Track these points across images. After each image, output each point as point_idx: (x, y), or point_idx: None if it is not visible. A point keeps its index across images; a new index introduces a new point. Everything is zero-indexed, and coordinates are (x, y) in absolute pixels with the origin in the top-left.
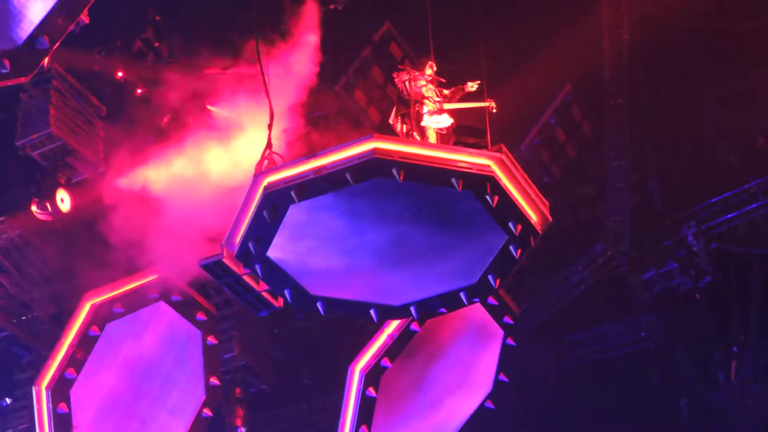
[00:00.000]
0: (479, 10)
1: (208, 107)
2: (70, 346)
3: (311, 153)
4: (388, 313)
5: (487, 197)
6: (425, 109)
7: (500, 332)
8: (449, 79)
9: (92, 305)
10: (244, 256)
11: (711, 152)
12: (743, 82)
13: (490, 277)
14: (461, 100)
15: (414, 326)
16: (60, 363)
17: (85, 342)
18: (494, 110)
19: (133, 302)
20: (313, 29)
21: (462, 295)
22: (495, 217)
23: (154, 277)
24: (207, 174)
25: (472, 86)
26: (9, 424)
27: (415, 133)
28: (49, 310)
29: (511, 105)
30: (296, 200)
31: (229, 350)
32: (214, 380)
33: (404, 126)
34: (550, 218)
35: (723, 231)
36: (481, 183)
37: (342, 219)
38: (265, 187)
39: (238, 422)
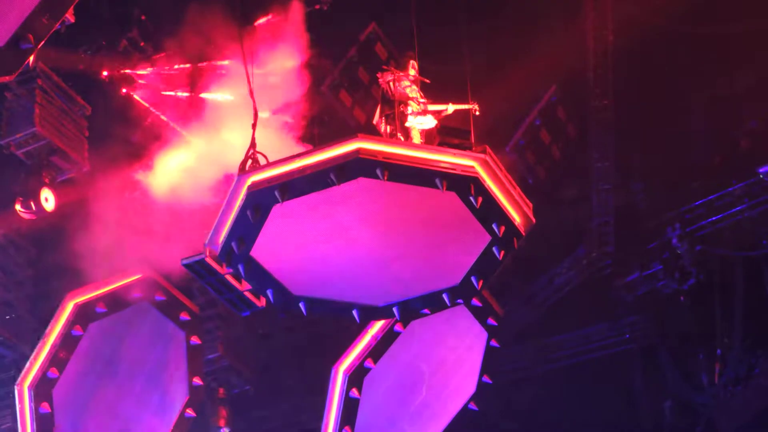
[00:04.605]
0: (464, 10)
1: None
2: (53, 345)
3: (295, 153)
4: (370, 313)
5: (471, 198)
6: (409, 109)
7: (484, 334)
8: (434, 80)
9: (75, 305)
10: (227, 255)
11: (696, 154)
12: (728, 85)
13: (473, 278)
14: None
15: (398, 327)
16: (43, 362)
17: (68, 341)
18: (477, 113)
19: (117, 302)
20: (299, 29)
21: (445, 296)
22: (478, 218)
23: (138, 276)
24: (191, 173)
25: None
26: None
27: (399, 134)
28: (32, 310)
29: (496, 106)
30: (280, 200)
31: (213, 350)
32: (197, 380)
33: (388, 126)
34: (534, 219)
35: (707, 233)
36: (464, 184)
37: (325, 219)
38: (249, 187)
39: (222, 423)
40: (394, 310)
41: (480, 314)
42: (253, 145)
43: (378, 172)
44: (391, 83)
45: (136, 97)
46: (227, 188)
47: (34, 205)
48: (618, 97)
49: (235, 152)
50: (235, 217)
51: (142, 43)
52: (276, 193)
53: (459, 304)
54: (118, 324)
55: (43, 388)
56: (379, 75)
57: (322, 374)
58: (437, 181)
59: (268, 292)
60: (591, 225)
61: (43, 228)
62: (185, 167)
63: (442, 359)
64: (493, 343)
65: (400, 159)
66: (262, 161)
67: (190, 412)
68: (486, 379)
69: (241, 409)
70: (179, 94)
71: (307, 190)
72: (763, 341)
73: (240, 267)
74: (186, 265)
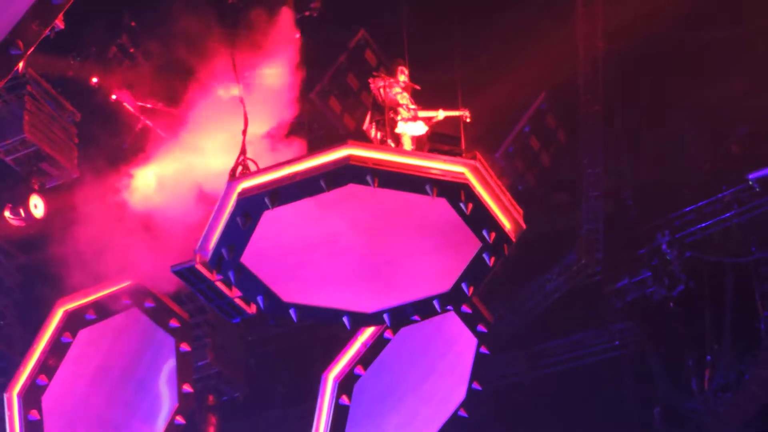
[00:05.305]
0: (454, 18)
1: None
2: (43, 352)
3: (285, 159)
4: (361, 320)
5: (461, 204)
6: (399, 116)
7: (474, 340)
8: (424, 87)
9: (65, 311)
10: (217, 262)
11: (685, 160)
12: (718, 91)
13: (463, 284)
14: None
15: (387, 334)
16: (32, 370)
17: (58, 348)
18: (468, 119)
19: (106, 309)
20: (289, 36)
21: (435, 302)
22: (469, 225)
23: (127, 283)
24: (182, 179)
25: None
26: None
27: (389, 140)
28: (21, 317)
29: (486, 113)
30: (270, 206)
31: (202, 357)
32: (186, 387)
33: (378, 132)
34: (524, 226)
35: (697, 240)
36: (455, 190)
37: (316, 225)
38: (239, 193)
39: (211, 430)
40: (385, 316)
41: (470, 321)
42: (243, 151)
43: (368, 178)
44: (382, 89)
45: (125, 104)
46: (214, 195)
47: (23, 211)
48: (608, 103)
49: (223, 160)
50: (226, 224)
51: (131, 50)
52: (266, 200)
53: (449, 310)
54: (107, 331)
55: (32, 396)
56: (370, 80)
57: (312, 381)
58: (427, 187)
59: (259, 299)
60: (581, 231)
61: (32, 234)
62: (173, 174)
63: (431, 366)
64: (483, 349)
65: (391, 165)
66: (253, 168)
67: (179, 419)
68: (476, 385)
69: (231, 417)
70: (168, 101)
71: (298, 196)
72: (752, 347)
73: (230, 274)
74: (176, 272)
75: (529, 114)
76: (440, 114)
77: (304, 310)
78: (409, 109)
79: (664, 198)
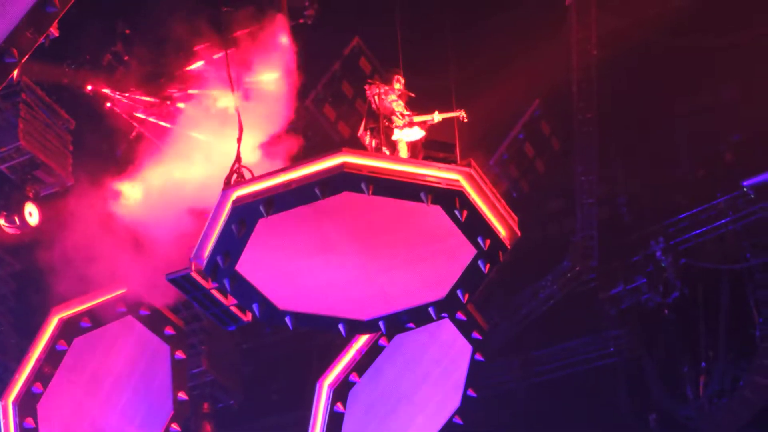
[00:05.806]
0: (449, 25)
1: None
2: (38, 360)
3: (280, 167)
4: (356, 327)
5: (456, 212)
6: (394, 123)
7: (469, 347)
8: (419, 94)
9: (60, 319)
10: (212, 270)
11: (680, 167)
12: (712, 98)
13: (458, 291)
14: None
15: (382, 341)
16: (27, 377)
17: (53, 356)
18: (465, 119)
19: (101, 316)
20: (283, 44)
21: (430, 309)
22: (464, 232)
23: (123, 291)
24: (176, 187)
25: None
26: None
27: (384, 148)
28: (15, 324)
29: (480, 120)
30: (265, 214)
31: (197, 365)
32: (182, 395)
33: (373, 140)
34: (519, 233)
35: (691, 247)
36: (450, 198)
37: (311, 233)
38: (234, 201)
39: None
40: (380, 324)
41: (465, 328)
42: (238, 159)
43: (363, 186)
44: (377, 97)
45: (119, 111)
46: (209, 204)
47: (18, 219)
48: (602, 110)
49: (217, 168)
50: (221, 232)
51: (126, 57)
52: (261, 208)
53: (444, 317)
54: (102, 339)
55: (27, 403)
56: (366, 87)
57: (306, 388)
58: (422, 195)
59: (254, 307)
60: (575, 238)
61: (27, 242)
62: (167, 183)
63: (426, 373)
64: (478, 356)
65: (385, 173)
66: (247, 175)
67: (174, 427)
68: (471, 392)
69: (226, 424)
70: (162, 109)
71: (292, 204)
72: (747, 353)
73: (225, 282)
74: (171, 280)
75: (524, 121)
76: (436, 116)
77: (300, 318)
78: (403, 116)
79: (658, 205)
